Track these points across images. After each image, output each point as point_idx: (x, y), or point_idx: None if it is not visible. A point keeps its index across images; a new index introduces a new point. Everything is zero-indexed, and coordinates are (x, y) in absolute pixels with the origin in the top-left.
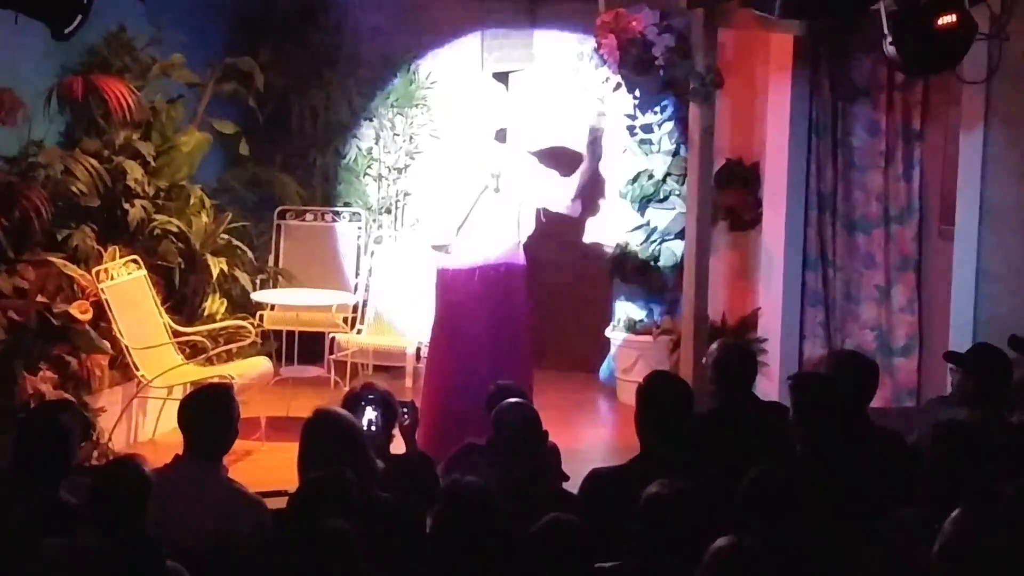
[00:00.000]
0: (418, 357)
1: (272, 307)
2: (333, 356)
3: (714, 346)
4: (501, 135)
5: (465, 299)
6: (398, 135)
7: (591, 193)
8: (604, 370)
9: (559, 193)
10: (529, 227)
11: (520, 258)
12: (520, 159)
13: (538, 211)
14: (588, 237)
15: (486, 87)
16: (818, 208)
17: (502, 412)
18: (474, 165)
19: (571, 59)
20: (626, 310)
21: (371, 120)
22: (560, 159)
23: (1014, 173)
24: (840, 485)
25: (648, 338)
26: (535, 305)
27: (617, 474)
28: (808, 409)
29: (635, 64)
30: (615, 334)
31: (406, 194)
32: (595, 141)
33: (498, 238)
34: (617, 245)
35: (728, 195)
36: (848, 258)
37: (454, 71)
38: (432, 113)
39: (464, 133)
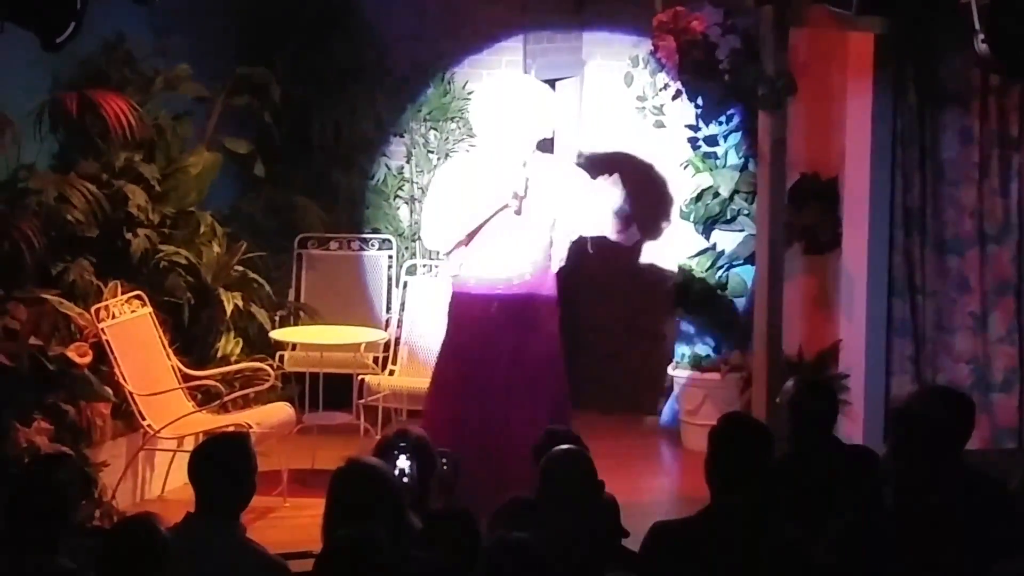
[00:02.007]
0: None
1: (293, 347)
2: (362, 401)
3: (789, 384)
4: (547, 146)
5: (480, 328)
6: (432, 152)
7: (652, 215)
8: (666, 412)
9: (607, 217)
10: (561, 256)
11: (549, 287)
12: (559, 177)
13: (585, 240)
14: (645, 262)
15: (531, 95)
16: (904, 227)
17: (552, 461)
18: (495, 181)
19: (625, 65)
20: (690, 345)
21: (402, 136)
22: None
23: None
24: (936, 537)
25: (715, 376)
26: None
27: (683, 528)
28: (908, 448)
29: (696, 69)
30: (678, 372)
31: None
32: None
33: (521, 264)
34: (679, 271)
35: (803, 214)
36: (939, 283)
37: (494, 80)
38: (470, 127)
39: (501, 147)
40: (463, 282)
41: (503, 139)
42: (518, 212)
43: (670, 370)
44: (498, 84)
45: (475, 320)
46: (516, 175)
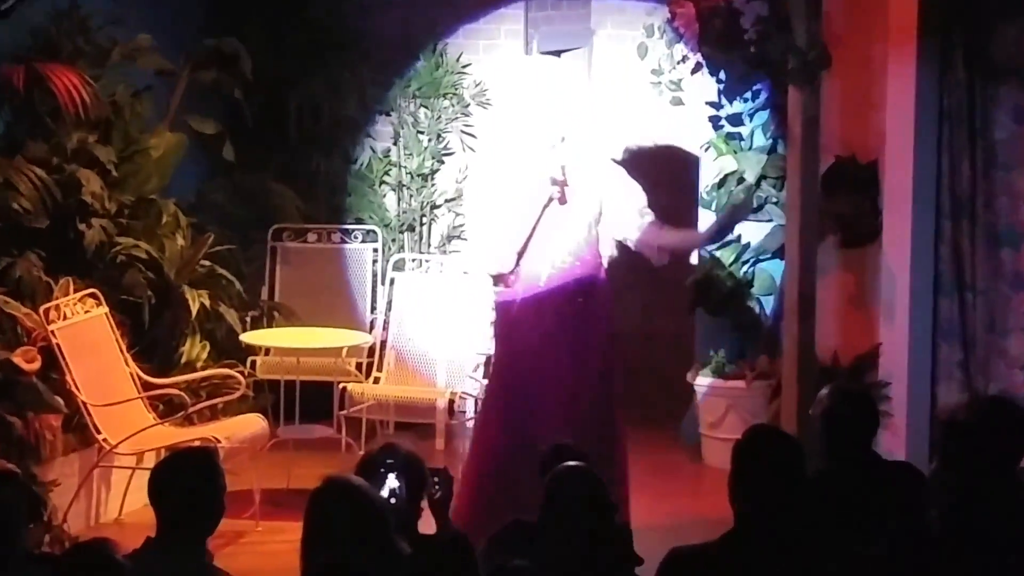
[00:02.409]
0: (451, 411)
1: (267, 351)
2: (344, 412)
3: (824, 393)
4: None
5: (536, 340)
6: (422, 133)
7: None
8: (685, 424)
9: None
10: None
11: (602, 279)
12: (588, 158)
13: (617, 242)
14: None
15: (534, 70)
16: (952, 217)
17: (556, 479)
18: (529, 170)
19: (638, 35)
20: (712, 349)
21: (388, 115)
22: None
23: None
24: (987, 565)
25: (740, 384)
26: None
27: (704, 555)
28: (957, 465)
29: (719, 39)
30: (699, 379)
31: (434, 207)
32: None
33: (572, 260)
34: (700, 266)
35: (839, 202)
36: (992, 279)
37: (492, 52)
38: (464, 104)
39: (510, 130)
40: (510, 292)
41: (532, 121)
42: (563, 201)
43: (689, 377)
44: (526, 67)
45: (528, 332)
46: (551, 160)
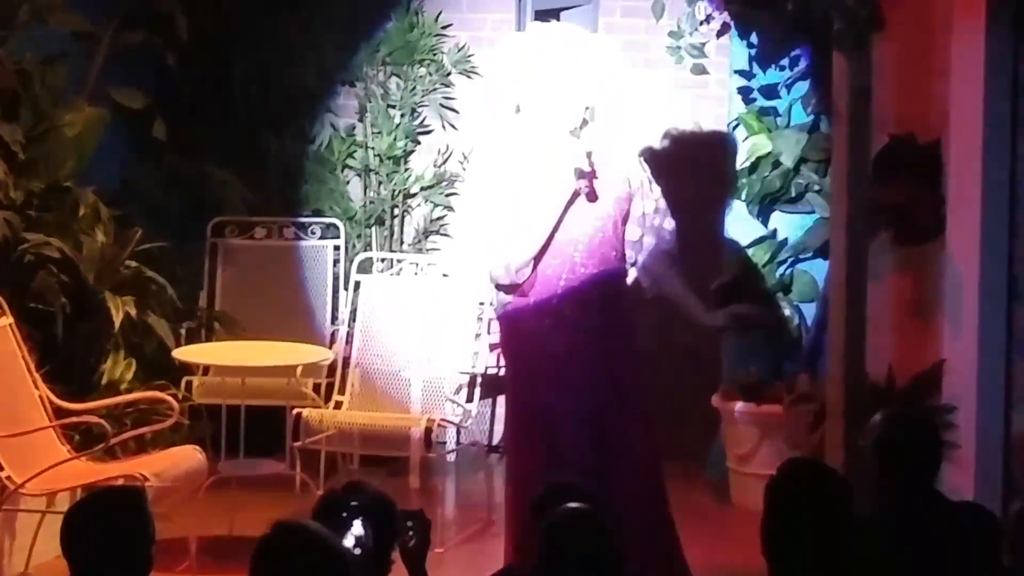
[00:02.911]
0: (428, 442)
1: (205, 370)
2: (299, 443)
3: (876, 419)
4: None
5: (562, 355)
6: (393, 107)
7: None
8: (711, 457)
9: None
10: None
11: (625, 289)
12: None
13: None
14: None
15: (576, 41)
16: None
17: (554, 525)
18: (545, 158)
19: None
20: (743, 366)
21: (353, 85)
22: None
23: None
24: None
25: (776, 408)
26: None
27: None
28: None
29: None
30: (727, 403)
31: (407, 196)
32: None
33: (594, 264)
34: (728, 266)
35: (894, 190)
36: None
37: (478, 10)
38: (444, 71)
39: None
40: (526, 307)
41: (545, 106)
42: (592, 197)
43: (714, 401)
44: (531, 35)
45: (551, 352)
46: (572, 149)
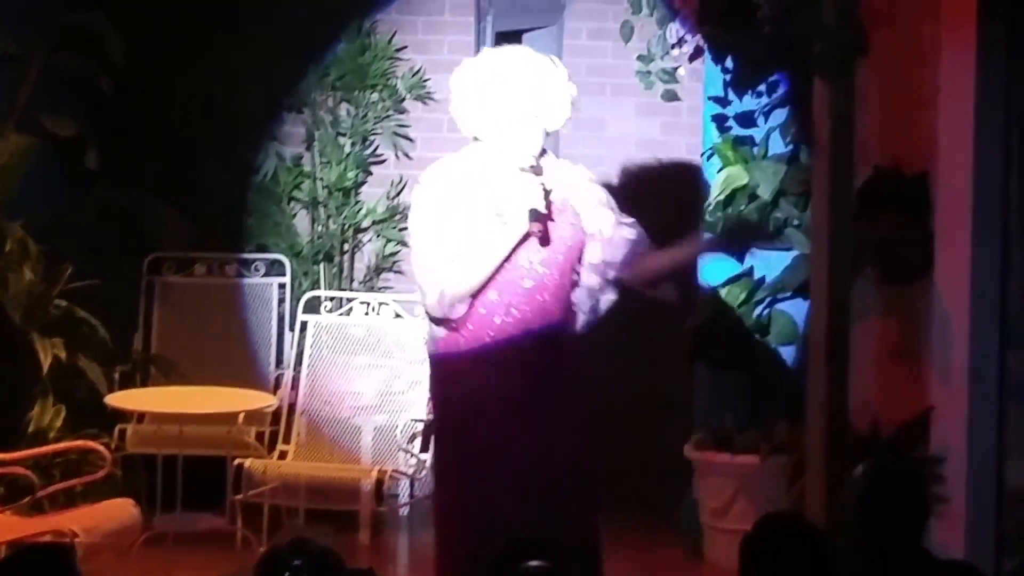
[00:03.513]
0: (379, 496)
1: (140, 418)
2: (240, 496)
3: (860, 471)
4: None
5: (495, 405)
6: (344, 135)
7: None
8: (683, 511)
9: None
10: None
11: (572, 331)
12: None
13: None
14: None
15: (533, 68)
16: None
17: None
18: (502, 199)
19: (621, 10)
20: (717, 413)
21: (300, 112)
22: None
23: None
24: None
25: (753, 459)
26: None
27: None
28: None
29: (725, 17)
30: (700, 453)
31: (358, 230)
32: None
33: (539, 302)
34: (701, 307)
35: (879, 226)
36: None
37: (434, 31)
38: (398, 97)
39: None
40: (449, 338)
41: (502, 135)
42: (544, 242)
43: (687, 451)
44: (484, 59)
45: (485, 397)
46: (530, 187)
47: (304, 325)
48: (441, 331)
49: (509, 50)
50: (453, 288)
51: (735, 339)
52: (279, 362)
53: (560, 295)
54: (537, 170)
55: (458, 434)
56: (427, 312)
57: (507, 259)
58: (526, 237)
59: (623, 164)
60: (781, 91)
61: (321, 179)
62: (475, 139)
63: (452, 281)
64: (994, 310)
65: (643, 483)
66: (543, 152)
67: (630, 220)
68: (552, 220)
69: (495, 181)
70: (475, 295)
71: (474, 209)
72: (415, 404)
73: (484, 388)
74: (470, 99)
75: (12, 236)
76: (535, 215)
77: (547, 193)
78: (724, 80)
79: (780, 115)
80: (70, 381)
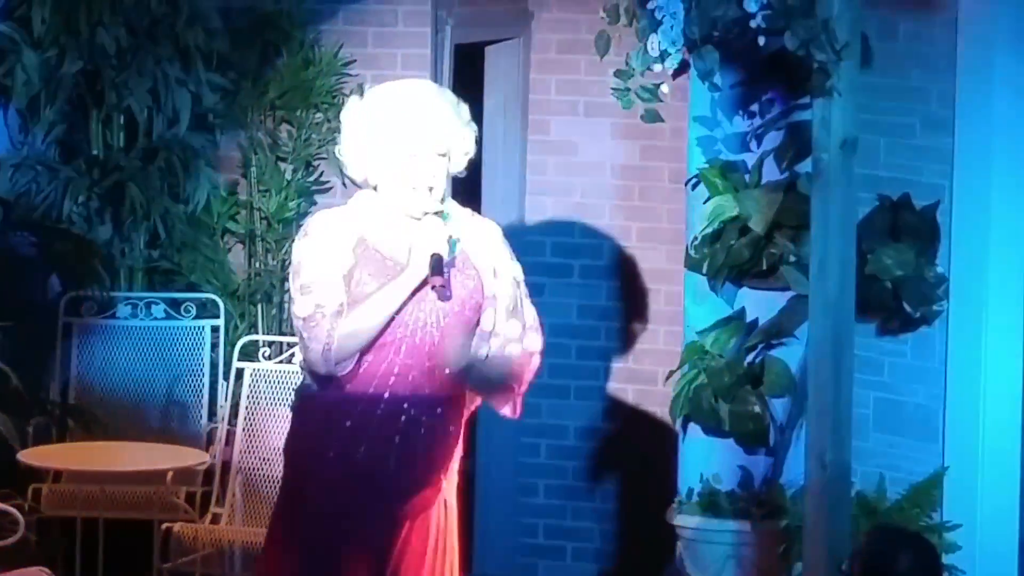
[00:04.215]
0: None
1: (57, 476)
2: (169, 564)
3: (864, 539)
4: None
5: (351, 475)
6: (284, 160)
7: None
8: None
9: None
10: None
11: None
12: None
13: None
14: (631, 340)
15: (436, 103)
16: None
17: None
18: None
19: (597, 20)
20: (704, 472)
21: (236, 133)
22: None
23: None
24: None
25: (744, 525)
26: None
27: None
28: None
29: (714, 27)
30: (685, 518)
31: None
32: None
33: (426, 375)
34: (686, 352)
35: (885, 263)
36: None
37: (385, 43)
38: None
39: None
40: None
41: (400, 176)
42: (445, 296)
43: (670, 516)
44: (378, 92)
45: (348, 445)
46: (434, 231)
47: (240, 373)
48: (314, 385)
49: (407, 82)
50: (339, 342)
51: (724, 389)
52: (212, 414)
53: (451, 359)
54: (443, 215)
55: (306, 491)
56: (309, 369)
57: (400, 310)
58: (421, 287)
59: (597, 193)
60: (776, 111)
61: (259, 209)
62: (370, 187)
63: (338, 334)
64: (1016, 360)
65: (621, 553)
66: (444, 199)
67: (533, 323)
68: (456, 273)
69: (391, 226)
70: (363, 352)
71: (365, 256)
72: None
73: (347, 449)
74: (364, 137)
75: None
76: (436, 263)
77: (453, 242)
78: (712, 99)
79: (775, 138)
80: None
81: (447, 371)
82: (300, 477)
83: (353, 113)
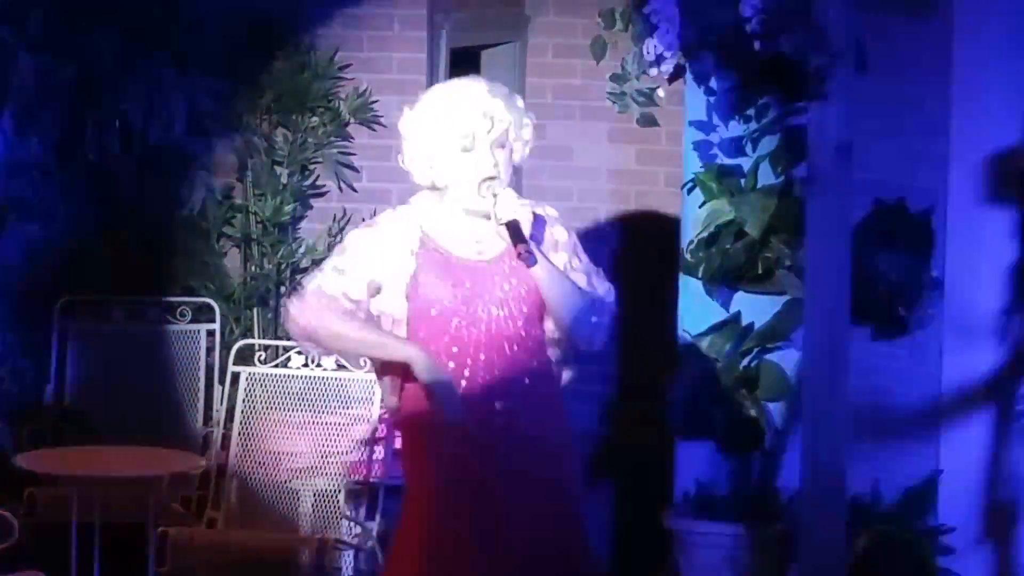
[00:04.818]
0: (320, 567)
1: (52, 481)
2: (165, 569)
3: (859, 542)
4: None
5: (477, 482)
6: (280, 164)
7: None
8: None
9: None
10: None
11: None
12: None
13: None
14: (627, 343)
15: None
16: None
17: None
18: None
19: (593, 25)
20: (699, 476)
21: (231, 138)
22: None
23: None
24: None
25: (739, 528)
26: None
27: None
28: None
29: (708, 32)
30: (680, 521)
31: (296, 270)
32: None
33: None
34: (681, 356)
35: (880, 267)
36: None
37: (382, 47)
38: (341, 120)
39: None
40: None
41: (464, 172)
42: (531, 261)
43: (667, 519)
44: (435, 91)
45: (462, 467)
46: (508, 203)
47: (236, 377)
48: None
49: (458, 80)
50: (325, 336)
51: (719, 393)
52: (208, 419)
53: (531, 344)
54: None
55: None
56: (286, 324)
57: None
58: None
59: (593, 197)
60: (772, 115)
61: (255, 213)
62: (433, 188)
63: (328, 329)
64: (1012, 365)
65: (616, 558)
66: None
67: (606, 284)
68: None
69: (455, 224)
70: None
71: (428, 259)
72: (359, 466)
73: (463, 467)
74: (423, 139)
75: None
76: (515, 230)
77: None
78: (708, 103)
79: (770, 142)
80: None
81: (529, 356)
82: (423, 487)
83: (408, 119)
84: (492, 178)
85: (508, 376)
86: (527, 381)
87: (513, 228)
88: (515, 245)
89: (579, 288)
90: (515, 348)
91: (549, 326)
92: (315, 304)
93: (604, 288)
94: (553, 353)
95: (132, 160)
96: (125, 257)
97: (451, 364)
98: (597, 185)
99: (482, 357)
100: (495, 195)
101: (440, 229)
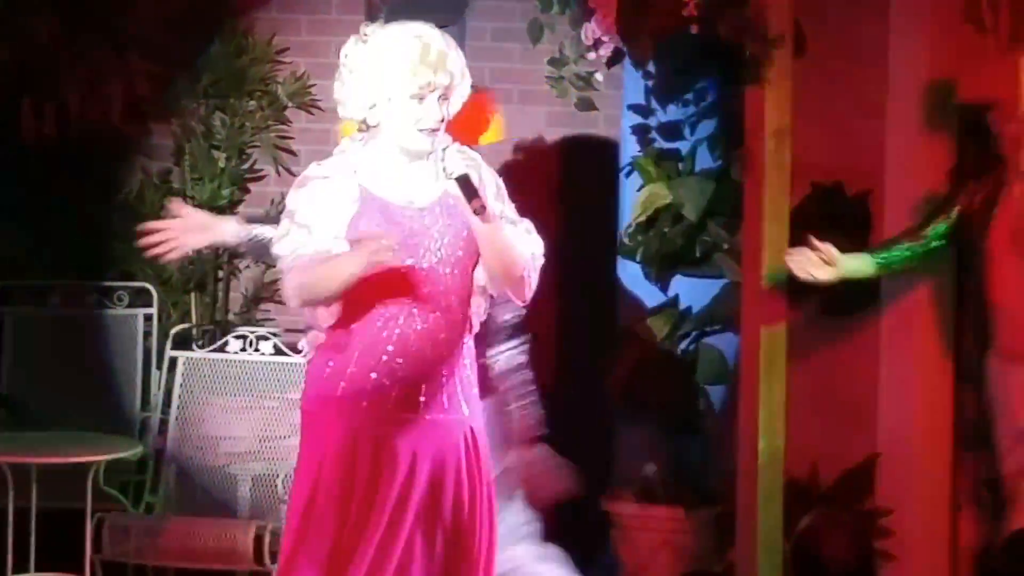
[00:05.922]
0: (259, 554)
1: None
2: (101, 555)
3: (802, 524)
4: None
5: (363, 469)
6: (217, 148)
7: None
8: (602, 569)
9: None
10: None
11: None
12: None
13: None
14: (565, 327)
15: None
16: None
17: None
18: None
19: (531, 8)
20: (637, 462)
21: (168, 122)
22: None
23: None
24: None
25: (678, 512)
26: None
27: None
28: None
29: (647, 15)
30: (619, 505)
31: (234, 255)
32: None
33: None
34: (619, 340)
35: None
36: None
37: (320, 31)
38: (279, 105)
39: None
40: (329, 375)
41: (409, 116)
42: (488, 217)
43: (606, 503)
44: (393, 31)
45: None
46: (455, 158)
47: (173, 362)
48: (309, 348)
49: (416, 24)
50: (304, 290)
51: (657, 377)
52: (145, 404)
53: (465, 299)
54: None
55: (315, 495)
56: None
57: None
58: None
59: (530, 180)
60: (709, 100)
61: (192, 197)
62: (362, 127)
63: (303, 283)
64: (947, 345)
65: (557, 541)
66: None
67: (525, 222)
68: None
69: (392, 169)
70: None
71: (369, 204)
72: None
73: (357, 437)
74: (370, 75)
75: None
76: (467, 185)
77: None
78: (646, 87)
79: (708, 126)
80: None
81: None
82: (306, 474)
83: (358, 51)
84: (434, 130)
85: (439, 336)
86: (454, 347)
87: (465, 183)
88: (469, 201)
89: (515, 240)
90: (451, 299)
91: (478, 274)
92: (298, 274)
93: (534, 239)
94: (477, 303)
95: (68, 144)
96: (62, 242)
97: (386, 311)
98: (535, 168)
99: (415, 310)
100: (443, 150)
101: (374, 176)
